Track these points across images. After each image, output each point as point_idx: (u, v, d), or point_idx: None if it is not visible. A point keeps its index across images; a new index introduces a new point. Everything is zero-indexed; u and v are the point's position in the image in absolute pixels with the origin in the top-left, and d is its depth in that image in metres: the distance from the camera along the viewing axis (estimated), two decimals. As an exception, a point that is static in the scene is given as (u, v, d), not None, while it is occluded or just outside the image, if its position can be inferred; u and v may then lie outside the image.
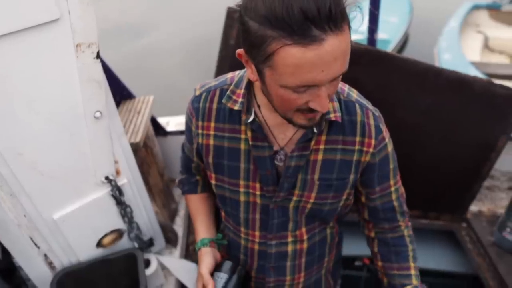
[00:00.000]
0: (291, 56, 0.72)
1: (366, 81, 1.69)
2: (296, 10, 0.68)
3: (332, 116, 0.95)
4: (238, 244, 1.20)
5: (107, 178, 1.41)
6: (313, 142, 0.99)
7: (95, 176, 1.39)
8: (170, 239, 1.94)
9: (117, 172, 1.45)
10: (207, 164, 1.11)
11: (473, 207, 2.21)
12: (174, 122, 2.40)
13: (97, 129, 1.29)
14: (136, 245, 1.63)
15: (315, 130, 0.96)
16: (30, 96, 1.13)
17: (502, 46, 5.68)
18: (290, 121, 0.89)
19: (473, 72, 4.52)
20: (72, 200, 1.39)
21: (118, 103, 1.99)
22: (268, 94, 0.86)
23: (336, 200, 1.06)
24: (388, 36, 5.92)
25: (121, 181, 1.48)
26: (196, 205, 1.29)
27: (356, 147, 1.00)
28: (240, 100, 0.98)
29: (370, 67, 1.64)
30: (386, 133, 1.05)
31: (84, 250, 1.53)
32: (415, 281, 1.13)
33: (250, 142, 1.01)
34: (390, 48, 5.79)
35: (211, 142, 1.06)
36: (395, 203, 1.12)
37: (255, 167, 1.03)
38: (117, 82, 1.93)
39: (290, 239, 1.13)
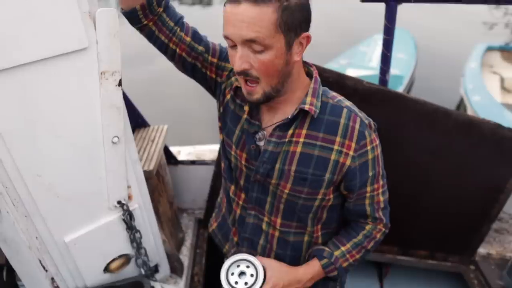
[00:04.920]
0: (224, 10, 0.95)
1: (376, 120, 1.71)
2: None
3: (306, 106, 1.04)
4: (230, 208, 1.30)
5: (119, 202, 1.43)
6: (291, 132, 1.07)
7: (108, 200, 1.41)
8: (176, 268, 1.94)
9: (129, 197, 1.47)
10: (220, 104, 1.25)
11: (482, 250, 2.18)
12: (185, 152, 2.44)
13: (114, 154, 1.32)
14: (142, 271, 1.63)
15: (289, 116, 1.05)
16: (53, 120, 1.17)
17: None
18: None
19: (508, 114, 4.51)
20: (84, 223, 1.40)
21: (132, 130, 2.02)
22: None
23: (311, 196, 1.12)
24: (400, 72, 5.98)
25: (133, 206, 1.49)
26: None
27: (335, 147, 1.06)
28: None
29: (381, 106, 1.68)
30: (371, 141, 1.09)
31: (92, 275, 1.52)
32: (336, 252, 1.19)
33: (245, 116, 1.13)
34: (404, 83, 5.79)
35: (228, 97, 1.21)
36: (367, 208, 1.16)
37: (244, 139, 1.15)
38: (133, 109, 1.98)
39: (265, 219, 1.21)
